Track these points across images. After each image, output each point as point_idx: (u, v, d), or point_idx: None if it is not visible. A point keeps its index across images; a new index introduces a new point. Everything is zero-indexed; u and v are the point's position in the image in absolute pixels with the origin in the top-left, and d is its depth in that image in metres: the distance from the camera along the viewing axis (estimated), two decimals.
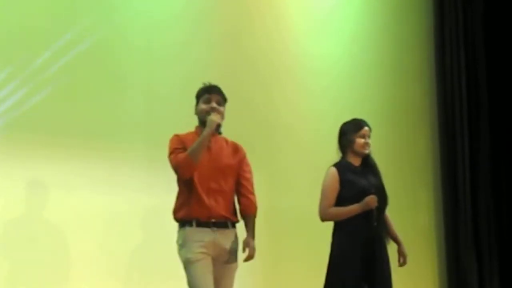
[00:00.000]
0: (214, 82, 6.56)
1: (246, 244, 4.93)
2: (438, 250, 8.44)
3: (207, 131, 4.78)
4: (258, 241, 6.44)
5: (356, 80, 7.97)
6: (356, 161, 5.48)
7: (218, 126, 4.83)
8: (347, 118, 7.34)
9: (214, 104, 4.89)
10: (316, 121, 7.53)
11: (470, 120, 8.66)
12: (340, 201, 5.38)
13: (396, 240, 5.55)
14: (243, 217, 4.99)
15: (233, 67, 6.83)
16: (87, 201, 5.84)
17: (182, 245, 4.80)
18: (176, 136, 4.92)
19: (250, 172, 5.05)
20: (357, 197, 5.29)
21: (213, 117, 4.82)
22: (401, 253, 5.55)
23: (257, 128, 7.02)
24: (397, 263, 5.53)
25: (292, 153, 7.30)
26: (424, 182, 8.44)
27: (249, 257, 4.95)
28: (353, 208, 5.29)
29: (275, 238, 6.99)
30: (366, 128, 5.49)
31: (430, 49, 8.73)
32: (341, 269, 5.27)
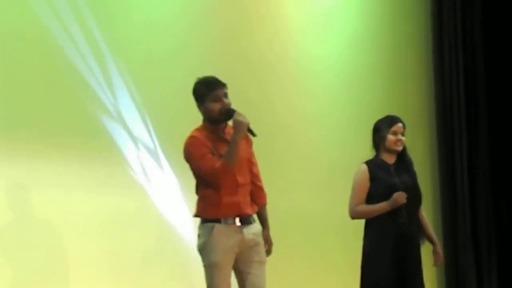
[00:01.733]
0: None
1: (266, 239, 4.87)
2: None
3: (239, 135, 4.63)
4: None
5: (355, 82, 7.97)
6: (390, 159, 5.40)
7: (248, 125, 4.69)
8: (346, 119, 7.36)
9: (225, 100, 4.71)
10: (314, 121, 7.52)
11: (469, 121, 8.66)
12: (369, 198, 5.31)
13: (431, 240, 5.50)
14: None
15: (232, 68, 6.81)
16: (85, 202, 5.82)
17: (208, 243, 4.66)
18: (193, 138, 4.72)
19: (254, 155, 4.93)
20: (386, 195, 5.23)
21: (242, 119, 4.64)
22: (436, 253, 5.51)
23: (256, 129, 6.99)
24: (432, 263, 5.52)
25: (291, 153, 7.28)
26: (423, 182, 8.41)
27: (269, 252, 4.90)
28: (382, 206, 5.23)
29: (273, 239, 6.98)
30: (399, 124, 5.38)
31: (428, 50, 8.73)
32: (373, 268, 5.23)
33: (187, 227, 6.27)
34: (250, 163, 4.86)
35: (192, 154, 4.68)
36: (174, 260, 6.23)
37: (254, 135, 4.77)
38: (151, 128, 6.32)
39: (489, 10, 8.84)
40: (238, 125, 4.64)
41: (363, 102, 7.86)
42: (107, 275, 5.93)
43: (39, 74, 5.73)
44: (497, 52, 8.82)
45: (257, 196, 4.88)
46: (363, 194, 5.31)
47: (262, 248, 4.81)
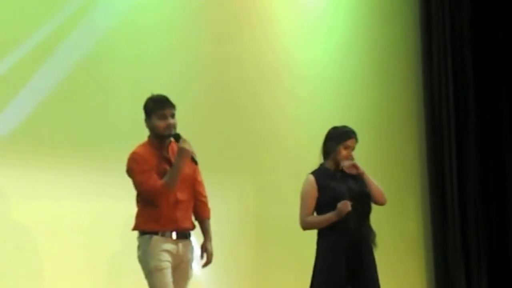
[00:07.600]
0: (203, 88, 6.63)
1: (204, 249, 4.99)
2: (427, 257, 8.44)
3: (182, 162, 4.78)
4: (245, 247, 6.42)
5: (344, 86, 7.96)
6: (333, 166, 5.44)
7: (191, 154, 4.81)
8: (335, 123, 7.34)
9: (171, 120, 4.85)
10: (304, 126, 7.53)
11: (458, 125, 8.66)
12: (318, 206, 5.38)
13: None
14: (199, 221, 5.03)
15: (222, 73, 6.82)
16: (70, 210, 5.82)
17: (147, 252, 4.79)
18: (136, 154, 4.86)
19: (200, 174, 5.04)
20: (333, 203, 5.28)
21: (187, 147, 4.79)
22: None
23: (246, 133, 7.01)
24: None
25: (280, 158, 7.29)
26: (412, 188, 8.44)
27: (208, 263, 5.01)
28: (330, 217, 5.29)
29: (262, 244, 6.98)
30: (352, 140, 5.44)
31: (417, 55, 8.73)
32: (326, 275, 5.27)
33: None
34: (194, 181, 4.98)
35: (134, 170, 4.82)
36: None
37: (196, 163, 4.88)
38: (139, 136, 6.28)
39: (478, 14, 8.84)
40: (182, 152, 4.79)
41: (352, 106, 7.86)
42: (91, 281, 5.92)
43: (29, 84, 5.73)
44: (486, 55, 8.83)
45: (201, 210, 5.02)
46: (312, 205, 5.38)
47: (190, 265, 4.92)
